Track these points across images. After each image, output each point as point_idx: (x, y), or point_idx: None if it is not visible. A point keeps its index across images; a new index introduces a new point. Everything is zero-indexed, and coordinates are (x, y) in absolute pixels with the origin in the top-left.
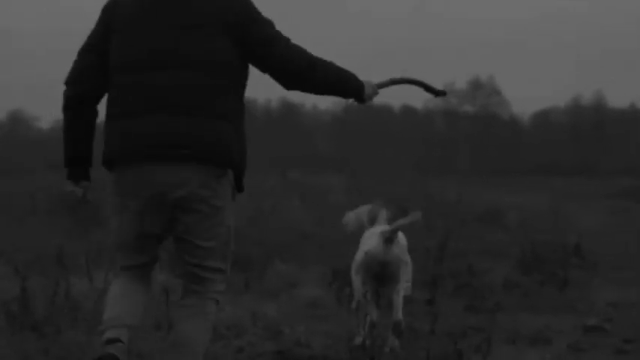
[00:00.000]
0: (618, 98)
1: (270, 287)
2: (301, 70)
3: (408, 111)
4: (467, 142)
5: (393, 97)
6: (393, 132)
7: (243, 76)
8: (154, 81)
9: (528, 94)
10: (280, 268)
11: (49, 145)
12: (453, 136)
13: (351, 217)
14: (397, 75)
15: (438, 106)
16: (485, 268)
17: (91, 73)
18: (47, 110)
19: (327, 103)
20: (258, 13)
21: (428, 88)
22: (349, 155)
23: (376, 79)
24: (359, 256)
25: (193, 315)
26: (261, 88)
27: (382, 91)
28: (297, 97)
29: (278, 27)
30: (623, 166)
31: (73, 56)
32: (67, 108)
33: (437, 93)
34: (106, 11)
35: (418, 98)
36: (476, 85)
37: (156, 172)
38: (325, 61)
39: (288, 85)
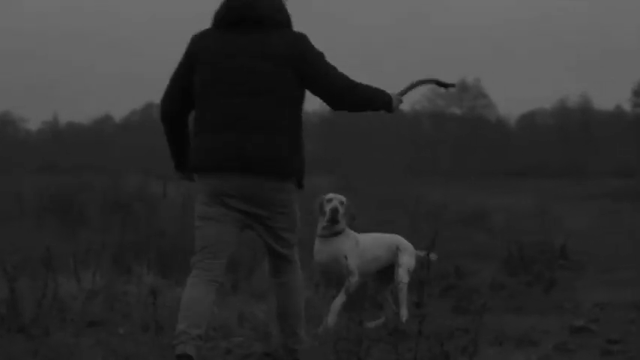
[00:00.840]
0: (605, 101)
1: (258, 289)
2: (350, 95)
3: (395, 113)
4: (454, 144)
5: None
6: (381, 134)
7: (301, 98)
8: (229, 106)
9: (515, 96)
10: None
11: (38, 146)
12: (441, 138)
13: (339, 211)
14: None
15: (425, 108)
16: (472, 269)
17: (178, 96)
18: (36, 112)
19: (314, 105)
20: (314, 48)
21: (440, 84)
22: (338, 157)
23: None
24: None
25: (288, 277)
26: None
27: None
28: None
29: None
30: (611, 168)
31: (63, 58)
32: (162, 121)
33: (447, 86)
34: (193, 44)
35: (405, 101)
36: (462, 88)
37: (235, 179)
38: (362, 84)
39: (336, 107)
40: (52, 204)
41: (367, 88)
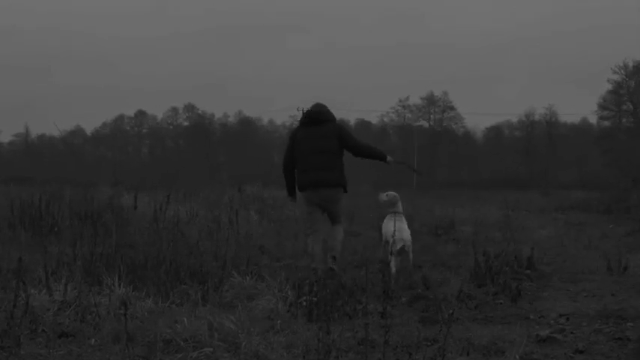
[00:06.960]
0: (570, 115)
1: (228, 299)
2: (363, 151)
3: (363, 124)
4: (421, 155)
5: (349, 110)
6: None
7: (342, 153)
8: (312, 159)
9: (482, 110)
10: (237, 281)
11: (9, 158)
12: (408, 149)
13: (383, 197)
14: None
15: (394, 120)
16: (440, 280)
17: (290, 163)
18: (7, 125)
19: (283, 117)
20: (346, 129)
21: (413, 169)
22: None
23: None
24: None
25: (336, 229)
26: (220, 103)
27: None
28: (253, 112)
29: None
30: (576, 180)
31: (37, 74)
32: (284, 171)
33: (419, 172)
34: (292, 136)
35: (375, 115)
36: (430, 101)
37: (316, 192)
38: (370, 146)
39: (356, 155)
40: (23, 215)
41: (371, 147)
